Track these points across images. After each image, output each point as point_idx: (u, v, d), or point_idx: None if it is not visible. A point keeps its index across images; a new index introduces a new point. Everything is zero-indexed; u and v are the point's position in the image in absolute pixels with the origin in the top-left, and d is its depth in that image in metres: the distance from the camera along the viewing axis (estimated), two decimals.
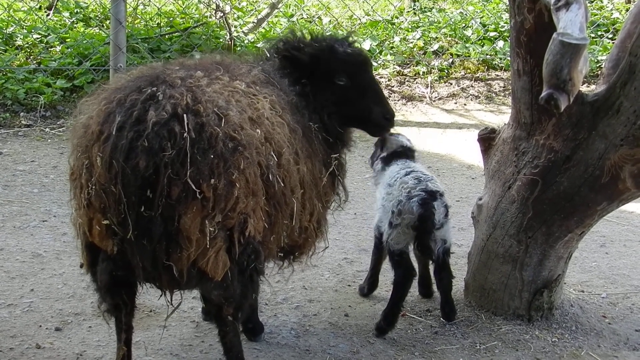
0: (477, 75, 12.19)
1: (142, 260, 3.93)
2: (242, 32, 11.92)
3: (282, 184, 4.14)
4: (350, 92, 4.91)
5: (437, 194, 5.24)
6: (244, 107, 4.08)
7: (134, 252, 3.92)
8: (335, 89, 4.88)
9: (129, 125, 3.82)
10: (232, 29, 11.57)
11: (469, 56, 12.37)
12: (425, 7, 14.59)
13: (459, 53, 12.41)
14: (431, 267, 5.54)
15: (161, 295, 4.26)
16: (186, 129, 3.79)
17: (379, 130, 5.23)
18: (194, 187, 3.76)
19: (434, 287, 5.75)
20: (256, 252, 4.10)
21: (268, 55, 4.86)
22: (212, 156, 3.80)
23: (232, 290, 4.08)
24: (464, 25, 13.19)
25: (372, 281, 5.84)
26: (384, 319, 5.31)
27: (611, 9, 14.05)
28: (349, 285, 6.05)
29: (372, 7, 13.45)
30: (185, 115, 3.83)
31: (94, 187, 3.89)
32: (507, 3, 5.45)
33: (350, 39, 5.04)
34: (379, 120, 5.02)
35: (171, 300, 4.27)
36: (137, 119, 3.83)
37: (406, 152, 5.59)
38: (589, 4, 8.42)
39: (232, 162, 3.85)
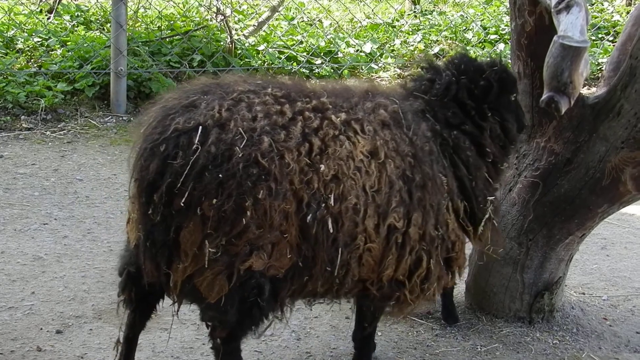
0: None
1: (146, 262, 3.91)
2: (243, 35, 11.92)
3: (330, 230, 3.89)
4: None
5: None
6: (313, 139, 3.87)
7: (142, 252, 3.91)
8: (513, 106, 4.67)
9: (160, 127, 3.81)
10: (233, 32, 11.57)
11: None
12: (425, 10, 14.59)
13: None
14: None
15: (172, 304, 4.16)
16: (197, 142, 3.70)
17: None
18: (189, 203, 3.69)
19: None
20: (259, 287, 3.86)
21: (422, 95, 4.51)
22: (221, 175, 3.68)
23: (228, 316, 3.91)
24: (464, 28, 13.19)
25: None
26: None
27: (612, 12, 14.06)
28: None
29: (372, 10, 13.47)
30: (200, 126, 3.74)
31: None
32: (508, 6, 5.45)
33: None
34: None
35: (177, 310, 4.19)
36: (168, 123, 3.80)
37: None
38: (589, 7, 8.41)
39: (247, 187, 3.69)
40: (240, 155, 3.70)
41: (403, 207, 4.11)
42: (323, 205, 3.86)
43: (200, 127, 3.73)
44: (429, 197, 4.20)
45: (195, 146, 3.70)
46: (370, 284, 4.22)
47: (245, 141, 3.72)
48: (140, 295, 4.25)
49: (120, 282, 4.28)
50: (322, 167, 3.86)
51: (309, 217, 3.84)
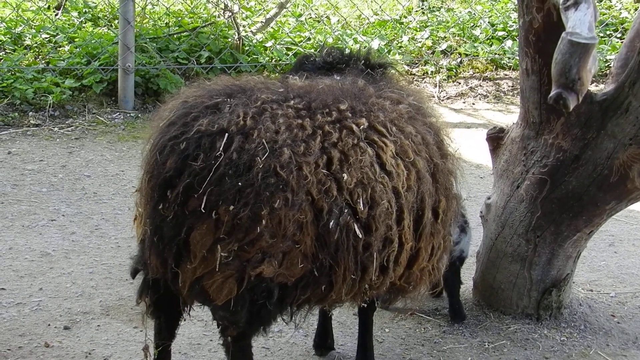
0: (486, 74, 12.17)
1: (151, 257, 3.90)
2: (251, 31, 11.92)
3: (360, 236, 3.88)
4: None
5: None
6: (332, 151, 3.86)
7: (148, 246, 3.90)
8: None
9: (180, 124, 3.81)
10: (241, 28, 11.58)
11: (478, 55, 12.35)
12: (433, 7, 14.55)
13: (467, 52, 12.38)
14: None
15: (183, 304, 4.17)
16: (221, 148, 3.69)
17: None
18: (206, 206, 3.67)
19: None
20: (269, 291, 3.85)
21: None
22: (240, 183, 3.67)
23: (238, 316, 3.89)
24: (472, 24, 13.15)
25: None
26: None
27: (620, 9, 14.01)
28: None
29: (380, 7, 13.45)
30: (227, 134, 3.73)
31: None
32: (516, 2, 5.44)
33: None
34: None
35: (189, 310, 4.21)
36: (189, 122, 3.80)
37: None
38: (597, 4, 8.37)
39: (264, 197, 3.68)
40: (260, 165, 3.70)
41: (433, 199, 4.19)
42: (346, 211, 3.85)
43: (226, 134, 3.73)
44: (445, 179, 4.33)
45: (218, 152, 3.70)
46: (398, 279, 4.23)
47: (270, 152, 3.72)
48: (160, 300, 4.18)
49: (139, 288, 4.21)
50: (345, 176, 3.84)
51: (331, 224, 3.81)
